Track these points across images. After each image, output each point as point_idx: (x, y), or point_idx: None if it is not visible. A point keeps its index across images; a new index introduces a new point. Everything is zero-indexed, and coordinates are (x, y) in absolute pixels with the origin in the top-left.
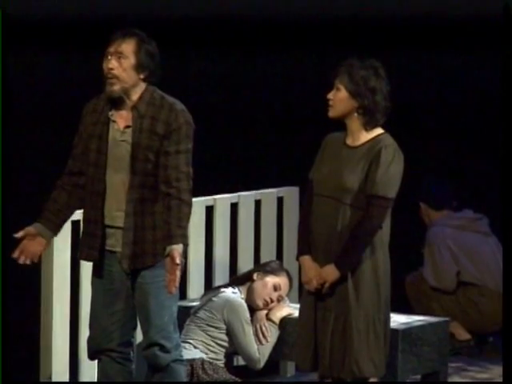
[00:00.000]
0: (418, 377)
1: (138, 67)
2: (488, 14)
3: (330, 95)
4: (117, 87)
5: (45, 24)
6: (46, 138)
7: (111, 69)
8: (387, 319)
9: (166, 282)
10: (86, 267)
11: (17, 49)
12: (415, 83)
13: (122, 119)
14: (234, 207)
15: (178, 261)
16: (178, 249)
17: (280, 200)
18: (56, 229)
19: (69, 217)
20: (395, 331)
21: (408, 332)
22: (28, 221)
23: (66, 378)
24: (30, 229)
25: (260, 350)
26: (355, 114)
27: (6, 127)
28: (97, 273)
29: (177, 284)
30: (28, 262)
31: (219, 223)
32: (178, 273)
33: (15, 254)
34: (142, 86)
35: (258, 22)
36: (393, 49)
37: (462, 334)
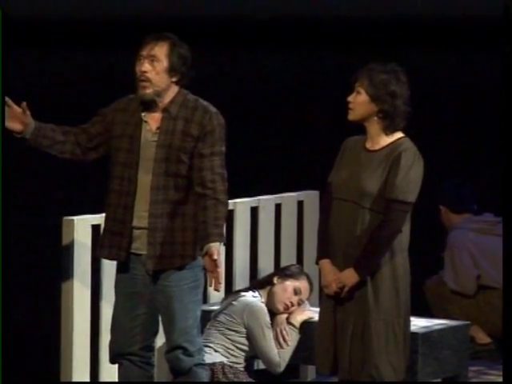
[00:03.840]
0: (439, 380)
1: (171, 70)
2: (488, 14)
3: (351, 98)
4: (149, 90)
5: (45, 24)
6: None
7: (144, 72)
8: (407, 323)
9: (210, 281)
10: (107, 270)
11: (17, 49)
12: (415, 83)
13: (153, 121)
14: (254, 211)
15: (215, 256)
16: (215, 246)
17: (300, 204)
18: (35, 129)
19: (48, 138)
20: (415, 335)
21: (428, 335)
22: (29, 222)
23: None
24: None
25: (280, 354)
26: (375, 118)
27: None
28: (120, 276)
29: (221, 280)
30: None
31: (239, 227)
32: (220, 270)
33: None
34: (175, 89)
35: (273, 21)
36: (392, 49)
37: (483, 338)
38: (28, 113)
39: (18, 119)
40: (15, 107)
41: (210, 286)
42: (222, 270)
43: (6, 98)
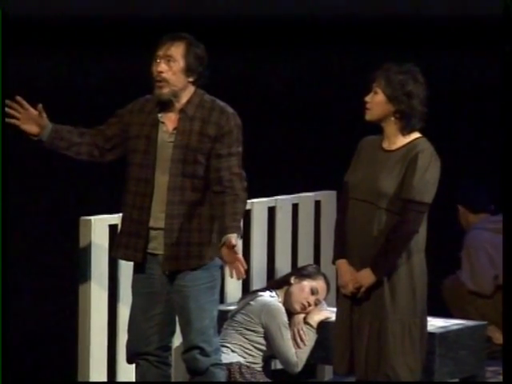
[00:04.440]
0: (456, 380)
1: (187, 70)
2: (488, 14)
3: (368, 98)
4: (166, 90)
5: (45, 24)
6: (15, 137)
7: (161, 72)
8: (423, 323)
9: (230, 272)
10: (124, 270)
11: (17, 49)
12: None
13: (170, 121)
14: (272, 211)
15: (234, 242)
16: (233, 236)
17: (317, 204)
18: (52, 131)
19: (64, 140)
20: (432, 335)
21: (445, 336)
22: (45, 222)
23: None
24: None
25: (298, 354)
26: (392, 118)
27: (6, 127)
28: (137, 276)
29: (244, 265)
30: (12, 122)
31: (256, 227)
32: (240, 257)
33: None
34: (191, 89)
35: (288, 21)
36: (392, 49)
37: (499, 338)
38: (44, 115)
39: (34, 122)
40: (31, 109)
41: (232, 277)
42: (241, 257)
43: (23, 101)
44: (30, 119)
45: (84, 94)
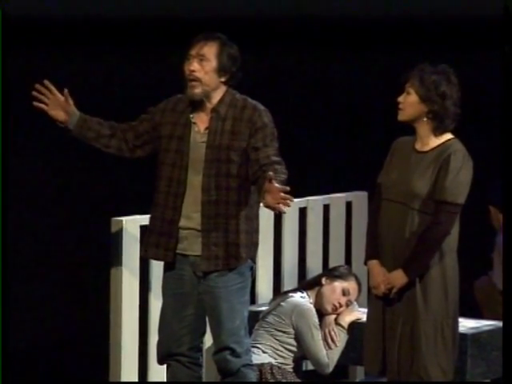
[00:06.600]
0: (488, 381)
1: (220, 70)
2: (488, 14)
3: (401, 99)
4: (198, 90)
5: (45, 24)
6: (46, 137)
7: (193, 71)
8: (455, 324)
9: (281, 209)
10: (156, 271)
11: (17, 49)
12: None
13: (201, 122)
14: (303, 212)
15: (273, 176)
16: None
17: (349, 204)
18: (79, 120)
19: (93, 131)
20: (464, 336)
21: (477, 337)
22: (78, 222)
23: None
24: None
25: (329, 355)
26: (425, 119)
27: (6, 127)
28: (168, 277)
29: (287, 189)
30: (40, 106)
31: (288, 228)
32: (281, 187)
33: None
34: (223, 88)
35: (321, 23)
36: (392, 48)
37: None
38: (70, 101)
39: (62, 108)
40: (59, 95)
41: (283, 212)
42: (283, 187)
43: (50, 85)
44: (58, 105)
45: (85, 95)
